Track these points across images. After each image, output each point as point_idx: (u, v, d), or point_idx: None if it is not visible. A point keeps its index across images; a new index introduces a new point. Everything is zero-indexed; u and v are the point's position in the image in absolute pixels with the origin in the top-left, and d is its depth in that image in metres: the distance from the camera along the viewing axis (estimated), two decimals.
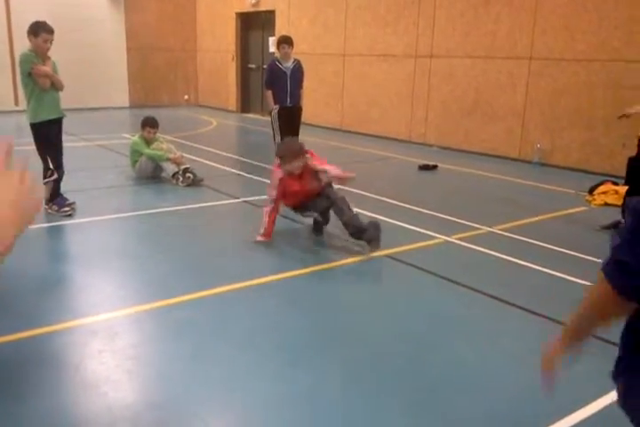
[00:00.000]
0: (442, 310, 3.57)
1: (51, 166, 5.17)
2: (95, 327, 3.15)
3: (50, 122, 5.21)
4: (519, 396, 2.65)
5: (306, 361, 2.89)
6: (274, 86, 7.14)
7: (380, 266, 4.27)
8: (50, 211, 5.20)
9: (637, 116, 5.22)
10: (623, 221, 5.19)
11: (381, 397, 2.60)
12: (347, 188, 6.43)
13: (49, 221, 5.09)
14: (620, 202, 6.10)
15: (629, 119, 5.40)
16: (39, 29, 5.08)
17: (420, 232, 4.99)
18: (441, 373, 2.83)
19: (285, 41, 7.11)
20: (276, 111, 7.14)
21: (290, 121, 7.20)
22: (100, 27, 13.70)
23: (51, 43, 5.17)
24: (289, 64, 7.15)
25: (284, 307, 3.53)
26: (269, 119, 7.36)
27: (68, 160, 6.24)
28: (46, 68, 5.12)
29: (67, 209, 5.22)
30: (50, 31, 5.12)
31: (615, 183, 6.58)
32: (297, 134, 7.40)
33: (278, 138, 7.22)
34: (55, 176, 5.19)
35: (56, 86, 5.28)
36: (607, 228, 5.27)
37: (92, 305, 3.46)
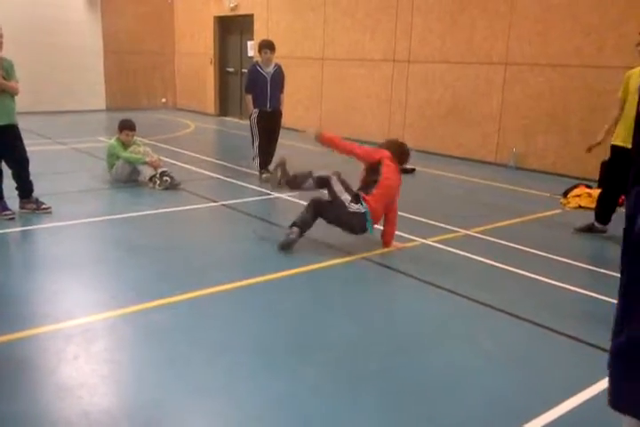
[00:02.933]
0: (419, 312, 3.59)
1: None
2: (70, 332, 3.12)
3: None
4: (497, 396, 2.68)
5: (282, 365, 2.89)
6: (254, 91, 7.14)
7: (358, 269, 4.28)
8: None
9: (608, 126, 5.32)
10: (596, 224, 5.28)
11: (358, 399, 2.61)
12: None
13: (22, 226, 5.03)
14: (593, 205, 6.20)
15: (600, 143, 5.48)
16: None
17: (397, 235, 5.01)
18: (418, 374, 2.85)
19: (267, 46, 7.11)
20: (255, 115, 7.15)
21: (269, 125, 7.22)
22: (76, 29, 13.57)
23: (1, 37, 4.85)
24: (270, 69, 7.17)
25: (260, 310, 3.53)
26: (249, 123, 7.37)
27: (42, 163, 6.18)
28: None
29: (8, 213, 5.10)
30: None
31: (589, 186, 6.70)
32: (276, 139, 7.42)
33: (257, 142, 7.24)
34: None
35: (8, 92, 4.99)
36: (581, 231, 5.35)
37: (67, 310, 3.42)
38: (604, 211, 5.26)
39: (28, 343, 3.00)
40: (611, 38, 7.18)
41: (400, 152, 4.76)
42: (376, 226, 4.63)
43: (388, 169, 4.56)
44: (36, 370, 2.77)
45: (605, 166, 5.44)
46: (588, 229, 5.32)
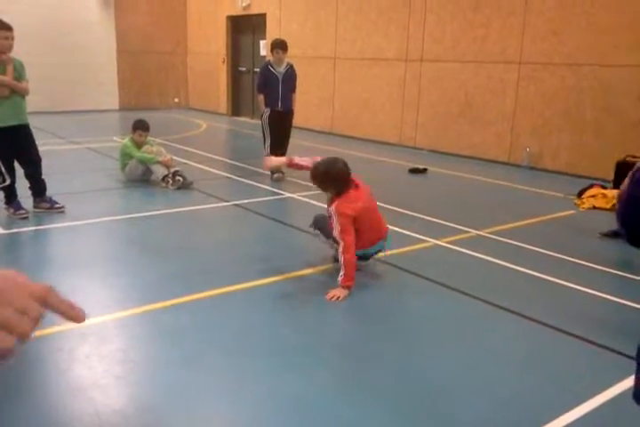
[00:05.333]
0: (431, 314, 3.57)
1: (3, 171, 5.00)
2: (83, 332, 3.13)
3: (3, 129, 4.94)
4: (508, 397, 2.65)
5: (296, 365, 2.88)
6: (265, 90, 7.14)
7: (371, 270, 4.26)
8: (8, 213, 5.17)
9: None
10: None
11: (371, 400, 2.60)
12: None
13: (36, 225, 5.06)
14: (608, 205, 6.14)
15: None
16: None
17: (409, 235, 4.99)
18: (430, 376, 2.83)
19: (280, 46, 7.08)
20: (266, 115, 7.15)
21: (280, 125, 7.20)
22: (90, 30, 13.65)
23: (12, 39, 4.89)
24: (282, 69, 7.14)
25: (274, 311, 3.52)
26: (260, 122, 7.37)
27: (56, 163, 6.20)
28: (3, 78, 4.87)
29: (22, 212, 5.14)
30: (7, 27, 4.85)
31: (604, 187, 6.62)
32: (287, 139, 7.41)
33: (268, 141, 7.24)
34: (7, 182, 5.04)
35: (18, 93, 5.04)
36: (607, 236, 5.13)
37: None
38: None
39: (40, 343, 3.02)
40: (626, 37, 7.09)
41: (326, 184, 3.83)
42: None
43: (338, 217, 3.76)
44: (48, 369, 2.78)
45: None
46: (615, 235, 5.06)
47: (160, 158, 6.58)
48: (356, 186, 3.89)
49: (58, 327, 3.16)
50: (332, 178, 3.80)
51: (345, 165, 3.87)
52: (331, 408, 2.53)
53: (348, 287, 3.72)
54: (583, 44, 7.53)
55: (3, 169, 5.02)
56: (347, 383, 2.73)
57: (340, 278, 3.72)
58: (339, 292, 3.69)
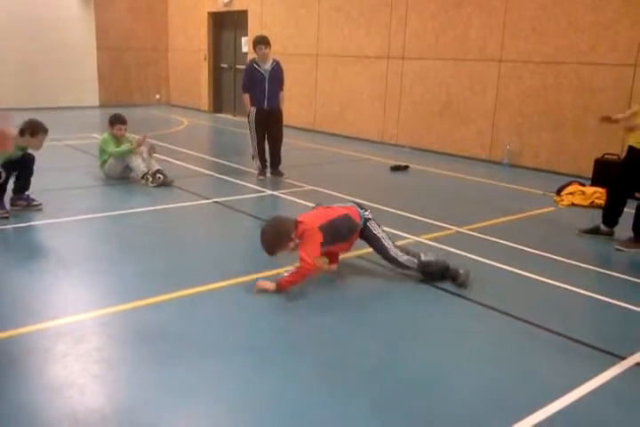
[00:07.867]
0: (411, 311, 3.58)
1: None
2: (60, 330, 3.09)
3: None
4: (487, 396, 2.67)
5: (275, 363, 2.87)
6: (251, 89, 6.94)
7: (350, 267, 4.27)
8: None
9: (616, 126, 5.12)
10: (602, 226, 5.07)
11: (351, 397, 2.59)
12: (318, 188, 6.43)
13: (15, 223, 4.98)
14: (586, 202, 6.21)
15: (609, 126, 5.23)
16: None
17: (390, 232, 4.99)
18: (410, 373, 2.83)
19: (262, 41, 6.88)
20: (252, 114, 6.96)
21: (268, 125, 6.99)
22: (69, 26, 13.49)
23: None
24: (267, 66, 6.91)
25: (253, 308, 3.51)
26: (246, 120, 7.15)
27: (34, 160, 6.07)
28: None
29: (2, 212, 5.05)
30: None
31: (582, 184, 6.69)
32: (279, 140, 7.15)
33: (256, 141, 7.04)
34: (2, 178, 4.99)
35: None
36: (586, 233, 5.14)
37: (58, 308, 3.40)
38: (611, 213, 5.03)
39: (16, 342, 2.98)
40: (605, 35, 7.17)
41: (282, 241, 3.73)
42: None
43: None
44: (24, 370, 2.74)
45: (620, 167, 5.06)
46: (594, 231, 5.11)
47: (133, 145, 6.46)
48: (300, 222, 3.76)
49: (33, 326, 3.12)
50: (277, 236, 3.69)
51: (269, 223, 3.78)
52: (309, 405, 2.52)
53: (283, 289, 3.67)
54: (563, 43, 7.60)
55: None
56: (326, 380, 2.73)
57: (285, 275, 3.67)
58: (268, 285, 3.67)
